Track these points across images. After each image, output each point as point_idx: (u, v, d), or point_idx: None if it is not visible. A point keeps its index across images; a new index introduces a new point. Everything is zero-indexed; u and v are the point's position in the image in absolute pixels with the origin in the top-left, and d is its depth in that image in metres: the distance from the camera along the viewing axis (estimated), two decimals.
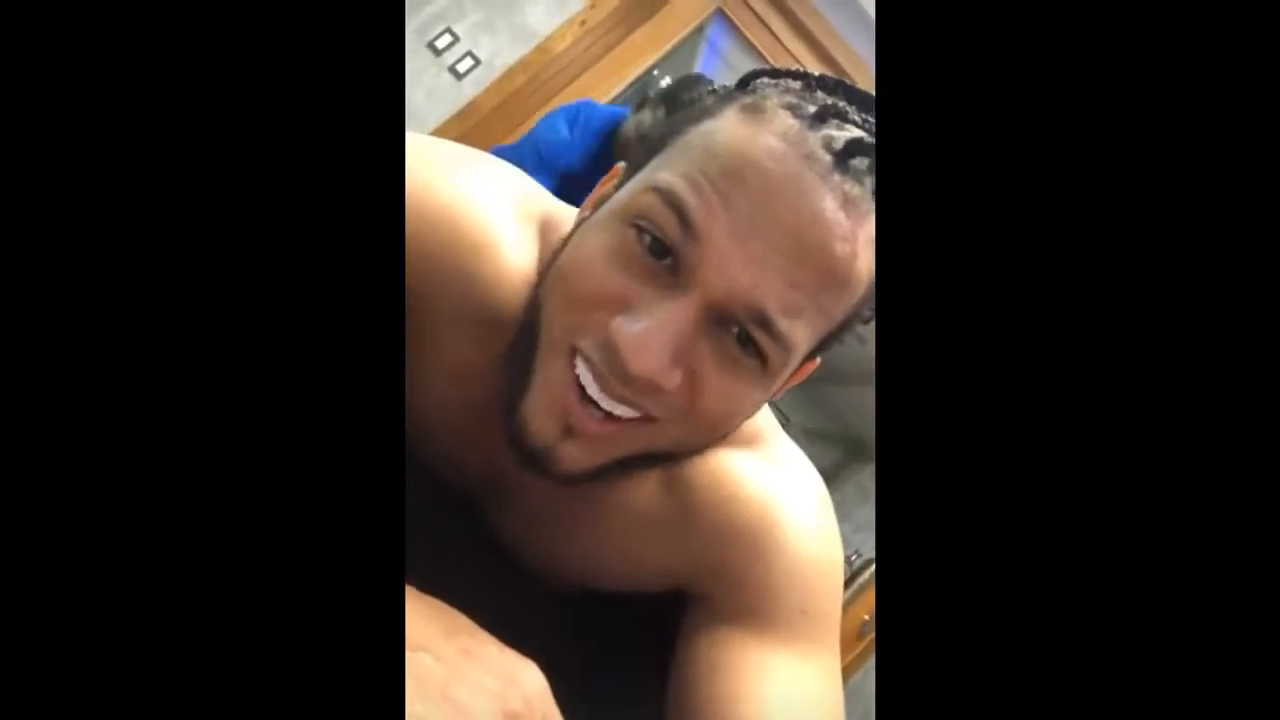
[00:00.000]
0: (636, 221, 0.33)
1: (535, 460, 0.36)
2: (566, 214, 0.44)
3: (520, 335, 0.38)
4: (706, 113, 0.36)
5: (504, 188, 0.43)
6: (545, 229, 0.43)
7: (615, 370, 0.33)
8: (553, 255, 0.39)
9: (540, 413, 0.36)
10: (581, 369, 0.34)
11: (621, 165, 0.41)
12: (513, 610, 0.33)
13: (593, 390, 0.34)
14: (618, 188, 0.38)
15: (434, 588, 0.31)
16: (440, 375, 0.43)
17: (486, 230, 0.40)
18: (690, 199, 0.32)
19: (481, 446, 0.42)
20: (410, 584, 0.30)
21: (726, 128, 0.34)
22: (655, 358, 0.32)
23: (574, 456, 0.36)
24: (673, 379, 0.33)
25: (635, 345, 0.32)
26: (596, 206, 0.39)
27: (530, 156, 1.19)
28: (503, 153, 1.22)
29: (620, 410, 0.34)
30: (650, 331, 0.32)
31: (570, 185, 1.21)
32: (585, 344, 0.34)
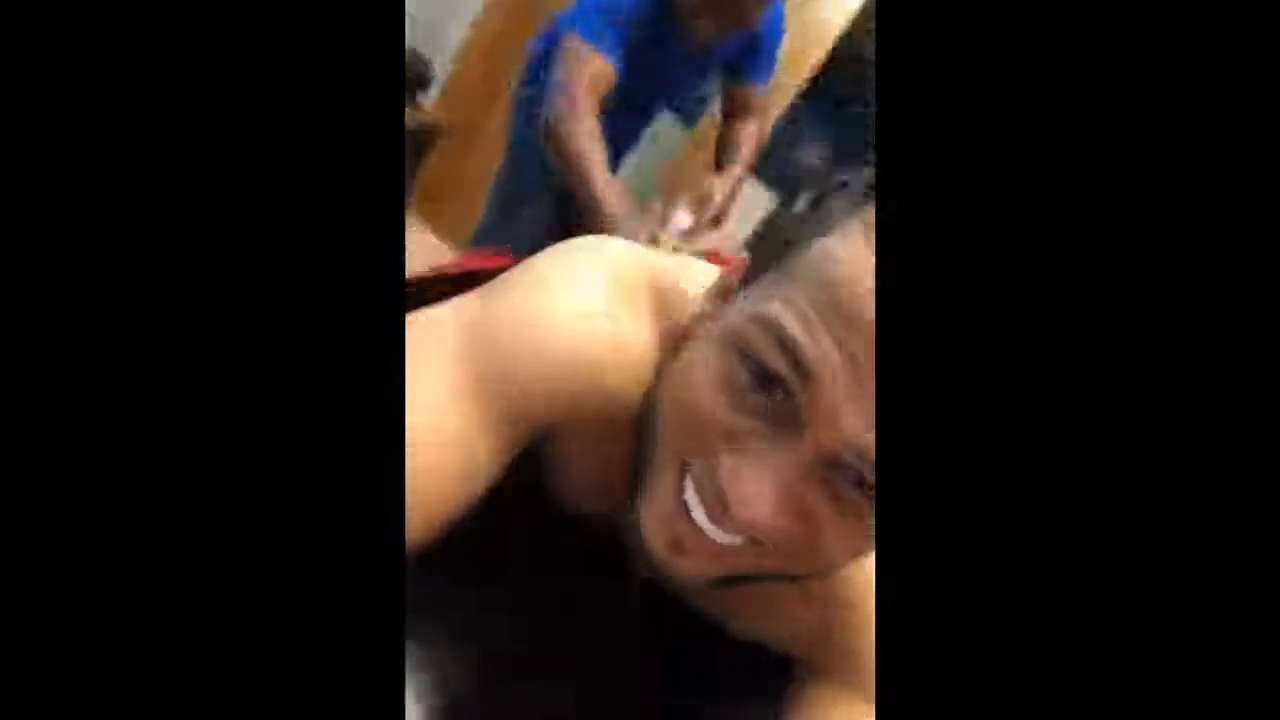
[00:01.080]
0: (744, 353, 0.32)
1: (653, 566, 0.36)
2: (672, 271, 0.43)
3: (640, 432, 0.37)
4: (831, 222, 0.32)
5: (595, 278, 0.41)
6: (656, 299, 0.41)
7: (721, 507, 0.32)
8: (670, 346, 0.39)
9: (653, 524, 0.35)
10: (690, 493, 0.34)
11: (745, 256, 0.39)
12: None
13: (699, 517, 0.33)
14: (742, 286, 0.36)
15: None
16: (588, 478, 0.44)
17: (595, 343, 0.39)
18: (803, 338, 0.30)
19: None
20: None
21: (847, 252, 0.30)
22: (762, 508, 0.31)
23: (688, 570, 0.35)
24: (782, 524, 0.32)
25: (741, 493, 0.31)
26: (717, 297, 0.38)
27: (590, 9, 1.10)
28: (562, 17, 1.15)
29: (728, 540, 0.33)
30: (757, 480, 0.31)
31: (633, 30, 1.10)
32: (695, 465, 0.34)
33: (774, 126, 2.34)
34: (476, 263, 0.62)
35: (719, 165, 1.27)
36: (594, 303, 0.40)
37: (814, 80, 2.28)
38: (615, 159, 1.35)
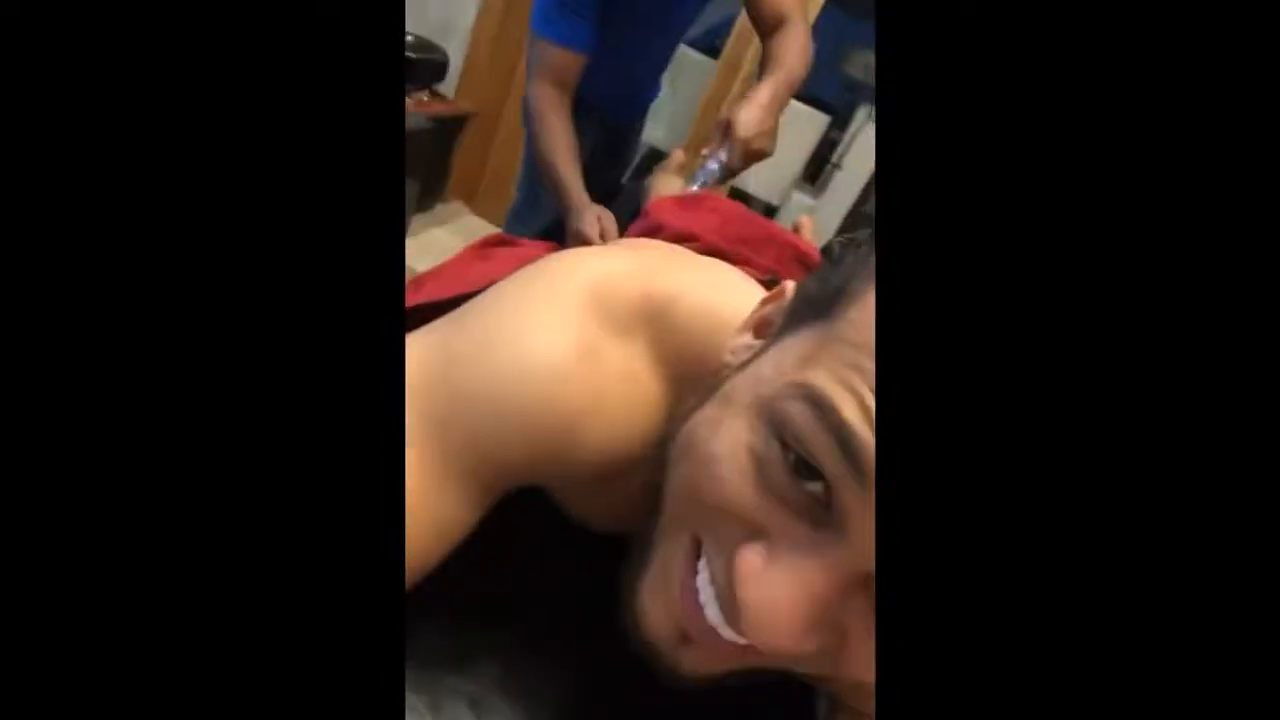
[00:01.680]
0: (783, 430, 0.25)
1: (652, 656, 0.30)
2: (681, 285, 0.35)
3: (646, 492, 0.31)
4: None
5: (571, 306, 0.33)
6: (655, 323, 0.34)
7: (733, 614, 0.26)
8: (684, 389, 0.32)
9: (655, 607, 0.29)
10: (702, 580, 0.27)
11: (790, 286, 0.32)
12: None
13: (711, 614, 0.27)
14: (783, 330, 0.29)
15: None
16: (599, 510, 0.39)
17: (573, 394, 0.32)
18: (859, 426, 0.23)
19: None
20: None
21: None
22: (785, 627, 0.24)
23: (694, 665, 0.29)
24: (808, 646, 0.25)
25: (762, 604, 0.24)
26: (752, 336, 0.31)
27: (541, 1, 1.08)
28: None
29: (744, 640, 0.26)
30: (783, 590, 0.24)
31: None
32: (709, 546, 0.27)
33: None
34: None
35: (764, 69, 1.10)
36: (570, 341, 0.32)
37: None
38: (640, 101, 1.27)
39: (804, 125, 2.63)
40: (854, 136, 2.92)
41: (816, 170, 3.13)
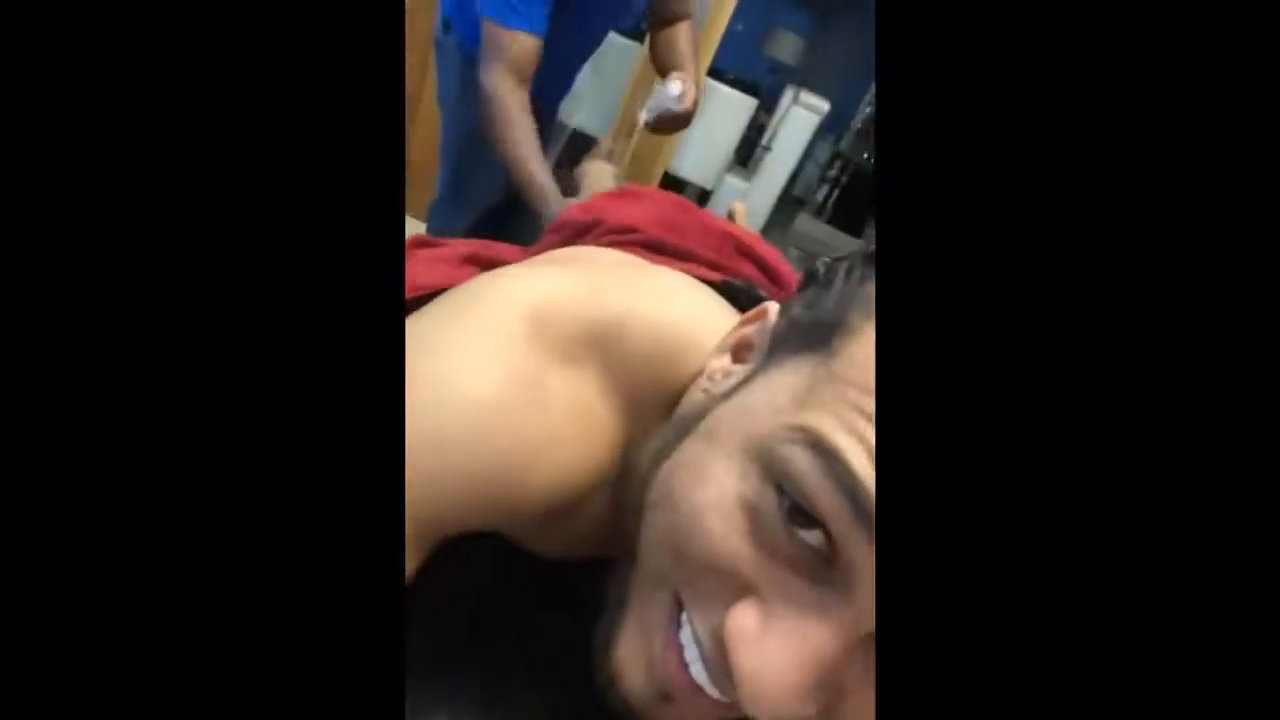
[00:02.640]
0: (782, 478, 0.22)
1: (629, 711, 0.27)
2: (623, 302, 0.32)
3: (598, 527, 0.29)
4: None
5: (508, 335, 0.29)
6: (608, 348, 0.31)
7: (724, 680, 0.23)
8: (649, 427, 0.29)
9: (634, 665, 0.26)
10: (685, 636, 0.25)
11: (773, 309, 0.29)
12: None
13: (698, 673, 0.24)
14: (770, 360, 0.26)
15: None
16: (556, 545, 0.36)
17: (514, 440, 0.28)
18: (870, 480, 0.20)
19: None
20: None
21: None
22: (786, 696, 0.22)
23: None
24: (808, 712, 0.22)
25: (760, 672, 0.22)
26: (731, 359, 0.29)
27: None
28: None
29: (731, 699, 0.24)
30: (785, 666, 0.22)
31: None
32: (692, 605, 0.25)
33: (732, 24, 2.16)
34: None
35: (665, 70, 1.13)
36: (509, 373, 0.28)
37: None
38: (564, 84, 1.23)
39: (734, 109, 2.63)
40: (781, 119, 2.93)
41: (747, 153, 3.14)
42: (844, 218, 3.67)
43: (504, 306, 0.31)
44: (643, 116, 1.01)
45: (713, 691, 0.24)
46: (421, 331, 0.30)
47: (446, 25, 1.13)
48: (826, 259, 0.28)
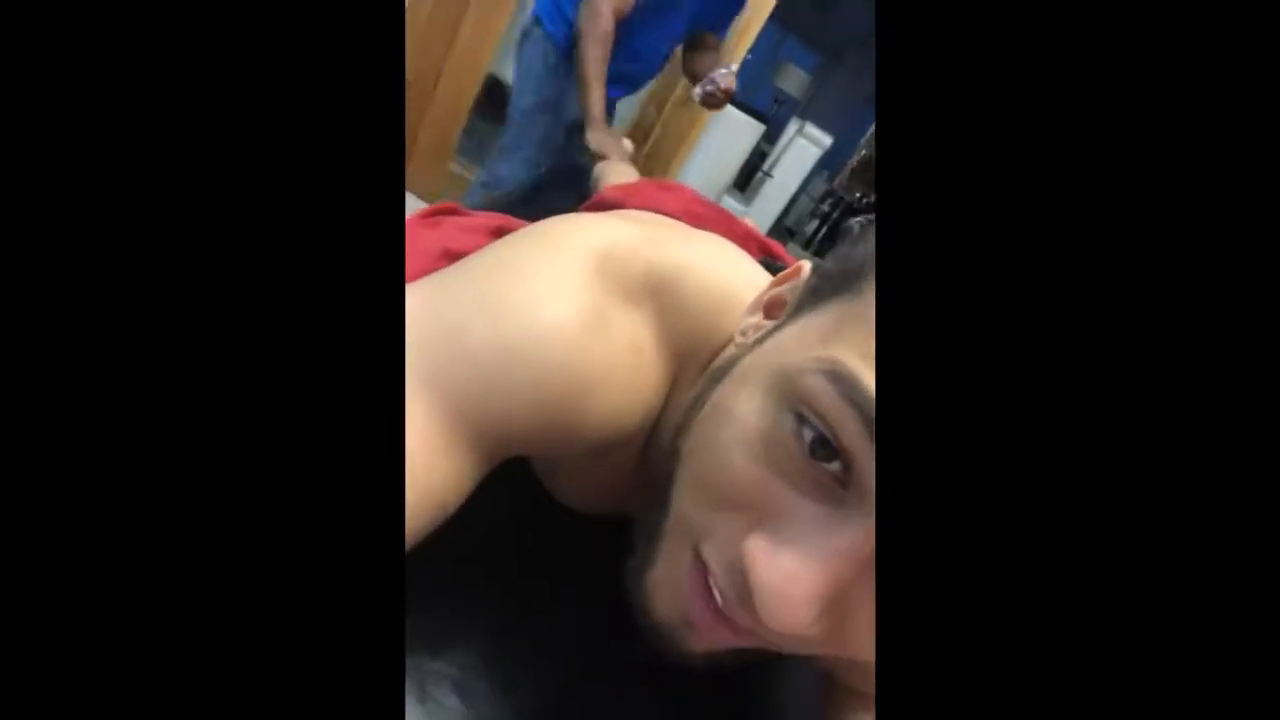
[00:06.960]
0: (799, 409, 0.24)
1: (659, 635, 0.29)
2: (686, 256, 0.34)
3: (647, 483, 0.30)
4: None
5: (578, 272, 0.31)
6: (661, 293, 0.32)
7: (745, 604, 0.25)
8: (689, 375, 0.31)
9: (662, 596, 0.29)
10: (710, 582, 0.27)
11: (807, 266, 0.30)
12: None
13: (721, 603, 0.26)
14: (800, 308, 0.28)
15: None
16: (583, 488, 0.39)
17: (580, 366, 0.30)
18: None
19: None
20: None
21: None
22: (802, 611, 0.23)
23: (698, 643, 0.29)
24: (817, 630, 0.24)
25: (778, 589, 0.23)
26: (764, 316, 0.30)
27: None
28: None
29: (749, 625, 0.26)
30: (801, 573, 0.23)
31: None
32: (710, 554, 0.26)
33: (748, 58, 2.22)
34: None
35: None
36: (581, 307, 0.30)
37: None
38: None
39: (740, 132, 2.69)
40: (784, 149, 3.00)
41: (747, 178, 3.21)
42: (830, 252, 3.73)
43: (574, 246, 0.33)
44: (696, 92, 1.32)
45: (735, 612, 0.26)
46: (495, 266, 0.32)
47: (537, 20, 1.29)
48: (862, 219, 0.31)
